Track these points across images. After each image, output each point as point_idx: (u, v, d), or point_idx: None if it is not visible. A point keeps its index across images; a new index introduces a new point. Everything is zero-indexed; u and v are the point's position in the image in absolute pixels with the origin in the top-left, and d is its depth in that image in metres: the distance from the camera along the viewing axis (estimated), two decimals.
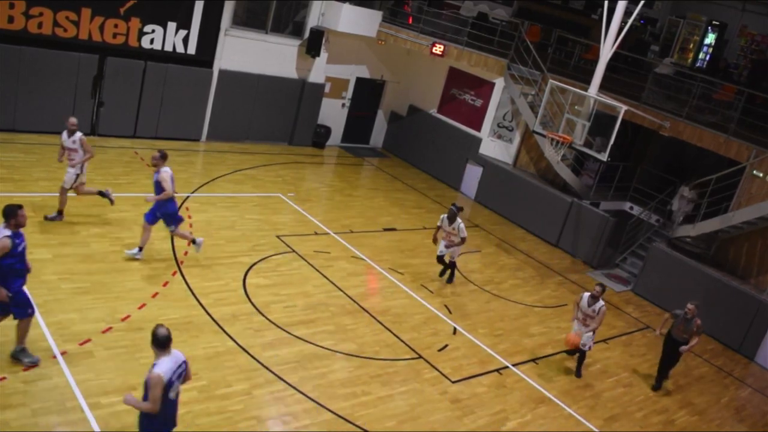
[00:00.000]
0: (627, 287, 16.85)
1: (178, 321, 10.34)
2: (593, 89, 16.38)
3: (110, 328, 9.78)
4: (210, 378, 9.29)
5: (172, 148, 18.01)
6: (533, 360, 12.21)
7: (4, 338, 8.96)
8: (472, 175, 20.82)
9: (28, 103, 16.38)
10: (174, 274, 11.75)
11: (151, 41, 17.63)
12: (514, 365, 11.83)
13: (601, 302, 11.84)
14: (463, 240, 13.77)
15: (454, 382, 10.81)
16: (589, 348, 12.02)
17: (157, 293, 10.97)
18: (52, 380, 8.45)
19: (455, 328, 12.53)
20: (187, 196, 15.15)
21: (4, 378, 8.26)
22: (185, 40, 18.17)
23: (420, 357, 11.27)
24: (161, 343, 6.64)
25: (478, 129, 20.89)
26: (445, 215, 13.80)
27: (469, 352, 11.88)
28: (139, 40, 17.44)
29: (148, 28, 17.44)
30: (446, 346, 11.85)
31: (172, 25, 17.81)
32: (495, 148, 20.53)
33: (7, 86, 16.01)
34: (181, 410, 8.42)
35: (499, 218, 19.52)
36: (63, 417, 7.94)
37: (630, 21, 16.63)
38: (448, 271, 14.43)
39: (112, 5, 16.74)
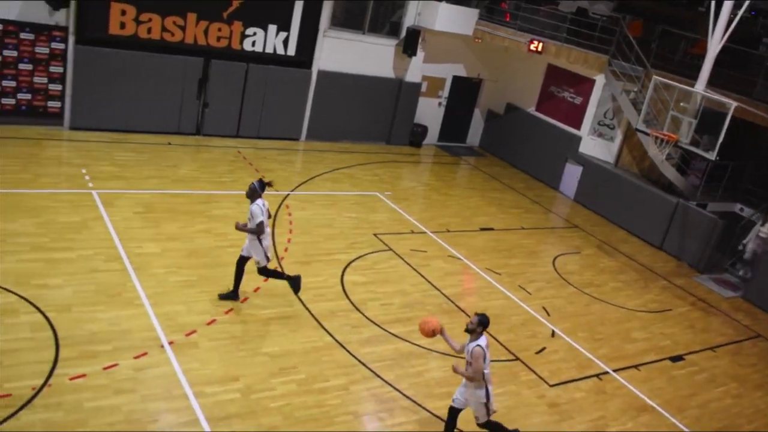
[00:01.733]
0: (737, 293, 16.02)
1: (279, 315, 10.58)
2: (701, 85, 15.68)
3: (214, 320, 10.10)
4: (308, 372, 9.45)
5: (273, 147, 18.51)
6: (635, 366, 11.79)
7: (114, 327, 9.41)
8: (572, 174, 20.34)
9: (139, 105, 17.18)
10: (276, 268, 12.03)
11: (253, 44, 18.13)
12: (614, 371, 11.46)
13: (478, 340, 7.98)
14: (257, 229, 10.04)
15: (551, 386, 10.57)
16: (482, 420, 8.36)
17: (258, 288, 11.26)
18: (160, 368, 8.80)
19: (553, 331, 12.26)
20: (287, 194, 15.49)
21: (116, 365, 8.67)
22: (285, 42, 18.59)
23: (517, 359, 11.09)
24: None
25: (578, 127, 20.39)
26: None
27: (567, 355, 11.59)
28: (242, 42, 17.97)
29: (249, 31, 17.95)
30: (544, 348, 11.61)
31: (272, 28, 18.26)
32: (595, 146, 19.98)
33: (120, 89, 16.85)
34: (279, 402, 8.65)
35: (599, 219, 18.98)
36: (170, 404, 8.26)
37: (740, 13, 15.82)
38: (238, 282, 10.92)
39: (216, 10, 17.34)
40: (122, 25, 16.40)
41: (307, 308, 11.01)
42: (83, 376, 8.38)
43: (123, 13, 16.29)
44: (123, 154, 15.83)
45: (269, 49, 18.42)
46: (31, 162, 14.43)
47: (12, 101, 16.14)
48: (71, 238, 11.60)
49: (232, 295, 10.70)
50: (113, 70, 16.65)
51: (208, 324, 9.98)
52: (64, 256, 10.99)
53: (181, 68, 17.40)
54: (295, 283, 10.75)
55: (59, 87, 16.48)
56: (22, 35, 15.76)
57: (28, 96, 16.25)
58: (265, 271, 10.53)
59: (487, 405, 8.18)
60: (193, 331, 9.73)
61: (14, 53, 15.82)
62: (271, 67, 18.56)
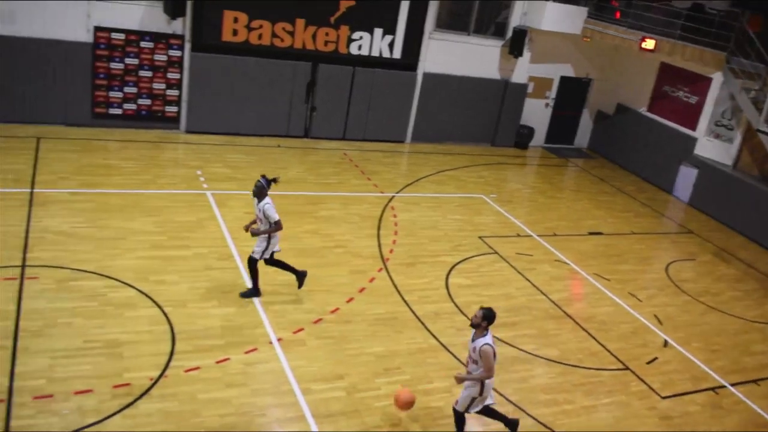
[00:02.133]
0: None
1: (383, 316, 10.66)
2: None
3: (321, 319, 10.29)
4: (413, 373, 9.46)
5: (378, 150, 18.69)
6: (755, 381, 11.14)
7: (226, 323, 9.74)
8: (687, 177, 19.47)
9: (250, 108, 17.77)
10: (380, 270, 12.13)
11: (359, 47, 18.38)
12: (732, 385, 10.86)
13: (484, 338, 7.70)
14: (275, 228, 10.03)
15: (663, 398, 10.14)
16: (461, 409, 8.09)
17: (363, 288, 11.39)
18: (269, 364, 9.05)
19: (666, 341, 11.76)
20: (392, 196, 15.60)
21: (228, 359, 8.97)
22: (391, 45, 18.73)
23: (627, 368, 10.70)
24: None
25: (693, 128, 19.50)
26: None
27: (680, 366, 11.08)
28: (348, 46, 18.25)
29: (356, 35, 18.21)
30: (656, 358, 11.15)
31: (378, 31, 18.44)
32: (712, 148, 19.04)
33: (232, 94, 17.48)
34: (383, 402, 8.69)
35: (716, 224, 18.07)
36: (278, 399, 8.47)
37: None
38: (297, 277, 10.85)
39: (324, 15, 17.68)
40: (234, 32, 17.00)
41: (411, 310, 11.04)
42: (197, 368, 8.73)
43: (235, 20, 16.90)
44: (235, 156, 16.41)
45: (375, 53, 18.62)
46: (150, 164, 15.19)
47: (133, 106, 17.05)
48: (187, 237, 12.12)
49: (300, 278, 10.68)
50: (226, 75, 17.30)
51: (315, 323, 10.18)
52: (180, 254, 11.50)
53: (290, 73, 17.86)
54: (249, 292, 10.54)
55: (176, 92, 17.27)
56: (143, 44, 16.63)
57: (148, 101, 17.13)
58: (252, 265, 10.37)
59: (473, 400, 7.94)
60: (301, 329, 9.94)
61: (135, 61, 16.71)
62: (377, 70, 18.76)
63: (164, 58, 16.90)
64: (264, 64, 17.56)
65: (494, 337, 8.11)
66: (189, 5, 16.48)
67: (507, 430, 8.46)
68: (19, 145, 15.16)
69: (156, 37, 16.68)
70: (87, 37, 16.20)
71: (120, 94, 16.86)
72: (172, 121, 17.52)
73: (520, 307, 11.81)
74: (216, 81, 17.28)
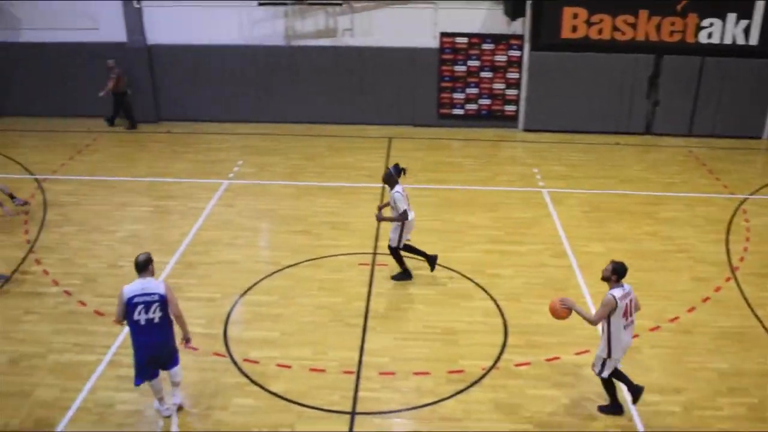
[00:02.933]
0: None
1: (730, 330, 9.73)
2: None
3: (658, 327, 9.76)
4: (762, 397, 8.49)
5: (729, 147, 17.09)
6: None
7: (558, 321, 9.71)
8: None
9: (587, 105, 17.46)
10: (728, 279, 11.09)
11: (709, 35, 16.91)
12: None
13: (612, 290, 7.64)
14: (401, 217, 10.21)
15: None
16: (596, 372, 7.97)
17: (708, 298, 10.52)
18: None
19: None
20: (745, 198, 14.13)
21: (558, 358, 8.98)
22: (746, 31, 16.91)
23: None
24: (136, 266, 7.38)
25: None
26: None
27: None
28: (696, 35, 16.90)
29: (705, 22, 16.78)
30: None
31: (731, 17, 16.77)
32: None
33: (569, 91, 17.35)
34: (726, 424, 7.93)
35: None
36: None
37: None
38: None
39: (669, 4, 16.60)
40: (574, 29, 16.82)
41: (764, 326, 9.91)
42: (527, 364, 8.88)
43: (575, 16, 16.71)
44: (571, 155, 16.28)
45: (727, 40, 16.96)
46: (489, 162, 15.81)
47: (474, 106, 17.87)
48: (522, 233, 12.38)
49: (431, 263, 10.79)
50: (563, 72, 17.23)
51: (652, 330, 9.68)
52: (515, 249, 11.79)
53: (630, 66, 17.14)
54: (430, 262, 10.77)
55: (515, 92, 17.68)
56: (484, 46, 17.33)
57: (488, 101, 17.81)
58: (394, 253, 10.65)
59: (604, 361, 7.75)
60: (635, 336, 9.51)
61: (477, 63, 17.48)
62: (728, 59, 17.09)
63: (504, 58, 17.41)
64: (603, 59, 17.09)
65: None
66: (528, 5, 16.74)
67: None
68: (373, 145, 16.86)
69: (496, 38, 17.25)
70: (433, 42, 17.39)
71: (462, 96, 17.79)
72: (511, 120, 17.98)
73: None
74: (554, 79, 17.30)
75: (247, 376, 8.66)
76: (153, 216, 13.24)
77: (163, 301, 7.36)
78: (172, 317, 7.50)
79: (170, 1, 17.43)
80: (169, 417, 7.99)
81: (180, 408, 8.08)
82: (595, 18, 16.74)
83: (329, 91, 18.04)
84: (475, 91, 17.75)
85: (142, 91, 18.34)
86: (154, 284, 7.40)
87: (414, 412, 8.09)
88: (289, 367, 8.82)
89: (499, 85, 17.69)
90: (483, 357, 9.01)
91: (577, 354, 9.07)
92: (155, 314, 7.34)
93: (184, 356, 8.75)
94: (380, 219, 10.68)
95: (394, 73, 17.68)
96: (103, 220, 13.06)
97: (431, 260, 10.79)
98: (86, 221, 12.94)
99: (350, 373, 8.71)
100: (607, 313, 7.53)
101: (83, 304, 10.27)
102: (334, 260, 11.49)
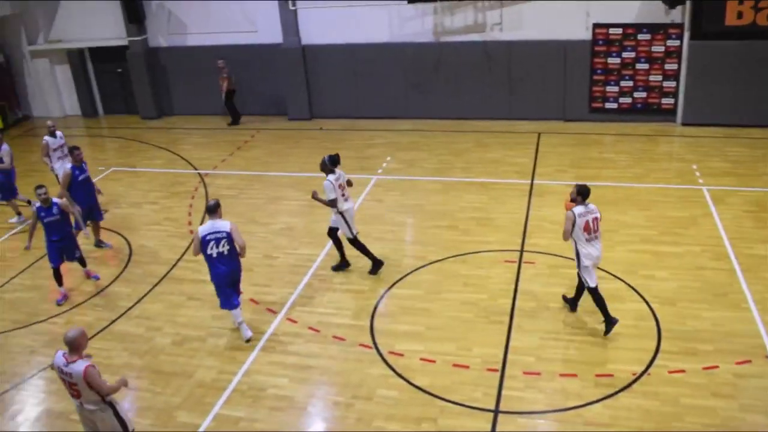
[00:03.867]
0: None
1: None
2: None
3: None
4: None
5: None
6: None
7: (717, 328, 9.16)
8: None
9: (754, 96, 16.21)
10: None
11: None
12: None
13: (575, 208, 8.95)
14: (328, 203, 10.63)
15: None
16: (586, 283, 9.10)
17: None
18: (763, 380, 8.23)
19: None
20: None
21: (716, 367, 8.46)
22: None
23: None
24: (207, 209, 9.19)
25: None
26: None
27: None
28: None
29: None
30: None
31: None
32: None
33: (732, 81, 16.19)
34: None
35: None
36: None
37: None
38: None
39: None
40: (739, 15, 15.68)
41: None
42: (682, 371, 8.44)
43: (741, 1, 15.57)
44: (735, 150, 15.23)
45: None
46: (643, 157, 15.11)
47: (628, 100, 17.14)
48: (679, 233, 11.75)
49: (342, 265, 11.31)
50: (727, 62, 16.12)
51: None
52: (671, 250, 11.21)
53: None
54: (375, 266, 11.07)
55: (673, 84, 16.77)
56: (640, 36, 16.55)
57: (644, 94, 17.02)
58: (354, 242, 10.92)
59: (582, 270, 9.01)
60: None
61: (632, 54, 16.75)
62: None
63: (661, 49, 16.55)
64: None
65: None
66: None
67: None
68: (522, 140, 16.63)
69: (653, 28, 16.43)
70: (585, 34, 16.85)
71: (616, 88, 17.11)
72: (669, 114, 17.07)
73: None
74: (716, 69, 16.21)
75: (392, 368, 8.84)
76: (305, 210, 13.78)
77: (230, 237, 8.96)
78: (238, 249, 9.04)
79: (323, 1, 18.07)
80: (248, 340, 9.51)
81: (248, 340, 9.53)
82: (764, 3, 15.51)
83: (477, 87, 17.96)
84: (629, 83, 17.00)
85: (296, 90, 19.15)
86: (221, 224, 9.01)
87: (559, 415, 7.92)
88: (433, 361, 8.92)
89: (655, 77, 16.83)
90: (634, 362, 8.65)
91: (738, 363, 8.49)
92: (224, 248, 9.01)
93: (330, 345, 9.19)
94: (314, 197, 10.84)
95: (543, 67, 17.31)
96: (259, 212, 13.78)
97: (376, 264, 11.10)
98: (244, 213, 13.70)
99: (494, 370, 8.67)
100: (570, 228, 8.79)
101: (240, 292, 10.90)
102: (480, 256, 11.45)
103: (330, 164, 10.64)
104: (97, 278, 11.67)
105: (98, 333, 10.16)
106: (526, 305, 10.00)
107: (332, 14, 18.21)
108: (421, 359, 8.97)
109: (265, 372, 8.98)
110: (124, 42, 20.25)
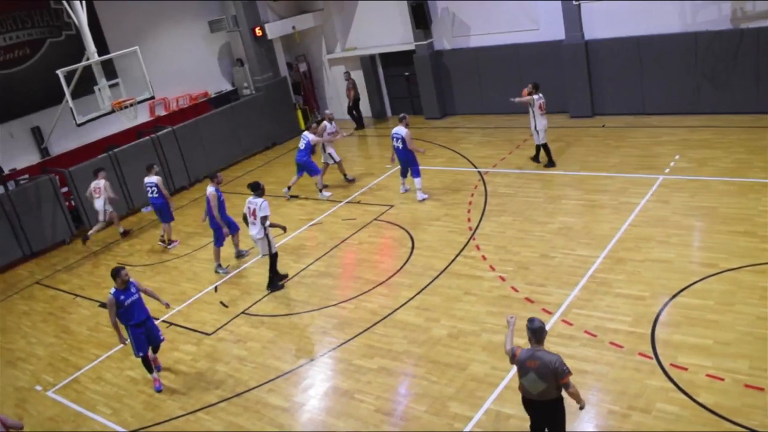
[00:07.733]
0: None
1: None
2: None
3: None
4: None
5: None
6: None
7: None
8: None
9: None
10: None
11: None
12: None
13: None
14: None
15: None
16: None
17: None
18: None
19: None
20: None
21: None
22: None
23: None
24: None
25: None
26: None
27: None
28: None
29: None
30: None
31: None
32: None
33: None
34: None
35: None
36: None
37: None
38: None
39: None
40: None
41: None
42: None
43: None
44: None
45: None
46: None
47: None
48: None
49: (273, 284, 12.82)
50: None
51: None
52: None
53: None
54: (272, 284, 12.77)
55: None
56: None
57: None
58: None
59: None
60: None
61: None
62: None
63: None
64: None
65: None
66: None
67: None
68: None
69: None
70: None
71: None
72: None
73: None
74: None
75: (673, 382, 8.29)
76: (584, 210, 13.42)
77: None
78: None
79: None
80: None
81: None
82: None
83: None
84: None
85: (577, 87, 18.70)
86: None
87: None
88: (721, 379, 8.19)
89: None
90: None
91: None
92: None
93: (606, 351, 8.90)
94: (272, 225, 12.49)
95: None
96: (537, 211, 13.71)
97: (275, 282, 12.69)
98: (521, 212, 13.74)
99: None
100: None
101: (515, 290, 10.96)
102: None
103: (252, 190, 12.47)
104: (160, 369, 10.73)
105: (381, 320, 10.90)
106: None
107: (618, 6, 17.45)
108: (708, 375, 8.28)
109: None
110: (411, 47, 21.40)
